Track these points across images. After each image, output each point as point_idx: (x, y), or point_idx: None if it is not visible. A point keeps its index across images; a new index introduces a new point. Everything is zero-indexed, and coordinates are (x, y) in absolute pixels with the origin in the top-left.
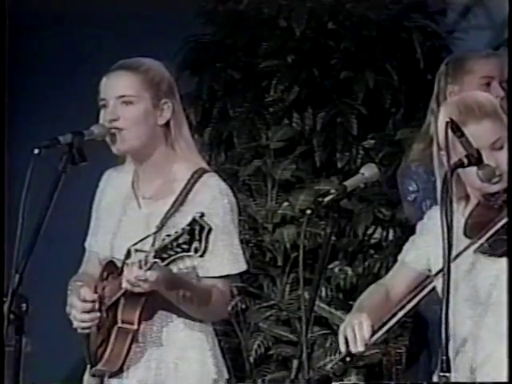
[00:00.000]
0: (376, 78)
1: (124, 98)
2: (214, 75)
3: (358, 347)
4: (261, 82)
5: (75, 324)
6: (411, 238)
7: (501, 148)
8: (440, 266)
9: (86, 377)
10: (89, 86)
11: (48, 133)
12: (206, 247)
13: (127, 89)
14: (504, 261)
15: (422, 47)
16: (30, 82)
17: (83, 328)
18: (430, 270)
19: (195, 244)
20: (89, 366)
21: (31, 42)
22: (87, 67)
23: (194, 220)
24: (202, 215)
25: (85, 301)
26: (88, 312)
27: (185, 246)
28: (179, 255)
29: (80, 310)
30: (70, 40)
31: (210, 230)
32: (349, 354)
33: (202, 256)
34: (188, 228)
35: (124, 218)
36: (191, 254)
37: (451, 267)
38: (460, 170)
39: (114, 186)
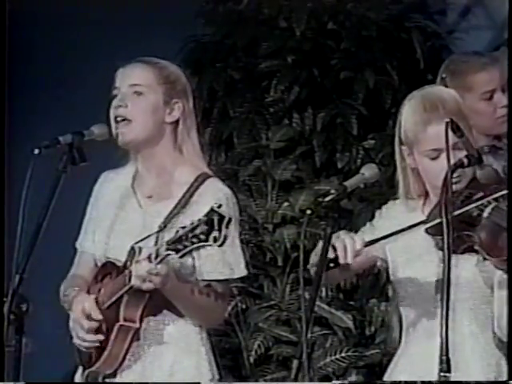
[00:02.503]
0: (376, 78)
1: (136, 86)
2: (214, 75)
3: (347, 258)
4: (261, 83)
5: (77, 342)
6: (369, 224)
7: (461, 149)
8: (398, 260)
9: (78, 378)
10: (89, 87)
11: (48, 133)
12: (225, 237)
13: (141, 78)
14: (465, 258)
15: (422, 47)
16: (30, 82)
17: (84, 347)
18: (386, 261)
19: (214, 233)
20: (81, 369)
21: (31, 42)
22: (87, 67)
23: (211, 210)
24: (220, 206)
25: (90, 319)
26: (93, 333)
27: (202, 237)
28: (196, 245)
29: (86, 329)
30: (70, 40)
31: (229, 219)
32: (335, 260)
33: (221, 245)
34: (205, 218)
35: (123, 217)
36: (210, 243)
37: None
38: (420, 168)
39: (111, 187)
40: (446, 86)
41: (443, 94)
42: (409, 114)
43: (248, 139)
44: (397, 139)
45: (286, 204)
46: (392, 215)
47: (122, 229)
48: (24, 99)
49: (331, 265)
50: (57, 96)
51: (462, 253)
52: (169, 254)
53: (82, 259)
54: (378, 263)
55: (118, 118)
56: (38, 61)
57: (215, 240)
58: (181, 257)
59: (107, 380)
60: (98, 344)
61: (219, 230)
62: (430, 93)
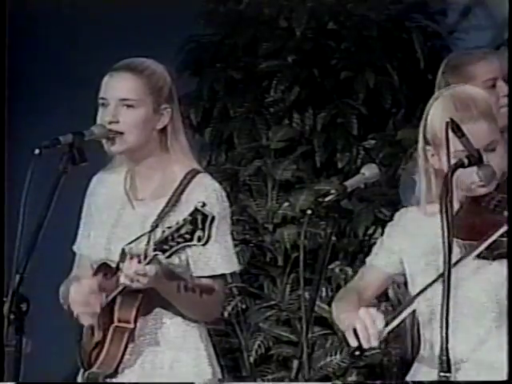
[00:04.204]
0: (376, 78)
1: (126, 101)
2: (215, 75)
3: (371, 342)
4: (261, 82)
5: (79, 310)
6: (379, 240)
7: (493, 150)
8: (416, 268)
9: (79, 380)
10: (89, 86)
11: (48, 133)
12: (209, 235)
13: (130, 92)
14: (496, 264)
15: (422, 47)
16: (30, 82)
17: (87, 314)
18: (403, 274)
19: (198, 233)
20: (82, 371)
21: (32, 42)
22: (87, 67)
23: (195, 209)
24: (204, 204)
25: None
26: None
27: (187, 236)
28: (181, 245)
29: (88, 290)
30: (71, 40)
31: (213, 218)
32: (359, 348)
33: (204, 245)
34: (190, 218)
35: (118, 219)
36: (194, 242)
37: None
38: (446, 168)
39: (104, 189)
40: (448, 82)
41: (474, 94)
42: (438, 113)
43: (248, 139)
44: (421, 139)
45: (286, 204)
46: (402, 231)
47: (115, 231)
48: (24, 99)
49: (356, 353)
50: (57, 96)
51: (494, 259)
52: (156, 255)
53: (80, 262)
54: (396, 279)
55: (110, 134)
56: (38, 60)
57: (199, 239)
58: (168, 257)
59: (108, 380)
60: (96, 310)
61: (203, 230)
62: (459, 92)
